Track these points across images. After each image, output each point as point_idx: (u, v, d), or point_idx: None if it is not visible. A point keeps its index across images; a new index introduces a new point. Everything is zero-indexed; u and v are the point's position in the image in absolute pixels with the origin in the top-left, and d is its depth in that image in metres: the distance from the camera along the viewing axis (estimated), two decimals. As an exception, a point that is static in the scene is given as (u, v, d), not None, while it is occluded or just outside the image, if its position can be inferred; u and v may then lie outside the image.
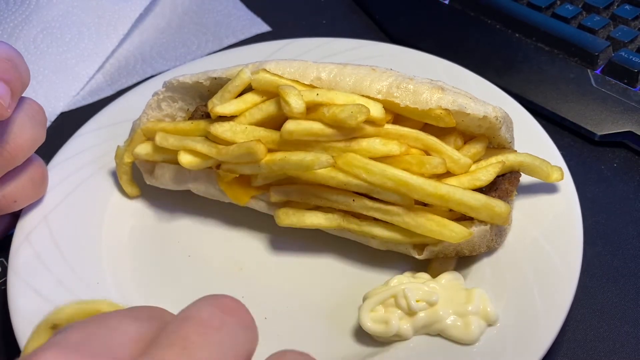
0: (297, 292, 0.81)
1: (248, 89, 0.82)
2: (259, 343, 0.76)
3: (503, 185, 0.78)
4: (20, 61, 0.79)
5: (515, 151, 0.80)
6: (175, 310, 0.82)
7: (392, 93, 0.77)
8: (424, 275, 0.76)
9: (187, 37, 1.27)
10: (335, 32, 1.19)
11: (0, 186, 0.81)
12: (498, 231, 0.77)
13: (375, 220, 0.76)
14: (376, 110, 0.75)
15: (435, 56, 1.05)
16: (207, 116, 0.85)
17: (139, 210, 0.92)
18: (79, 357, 0.40)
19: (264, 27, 1.28)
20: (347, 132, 0.75)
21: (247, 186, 0.83)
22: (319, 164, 0.73)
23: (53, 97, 1.14)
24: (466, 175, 0.75)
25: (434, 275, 0.76)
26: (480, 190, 0.76)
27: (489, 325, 0.70)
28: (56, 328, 0.52)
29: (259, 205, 0.84)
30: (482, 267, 0.78)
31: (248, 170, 0.79)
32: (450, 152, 0.75)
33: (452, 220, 0.73)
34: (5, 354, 0.80)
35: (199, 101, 0.91)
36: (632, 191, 0.92)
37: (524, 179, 0.81)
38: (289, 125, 0.74)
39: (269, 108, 0.78)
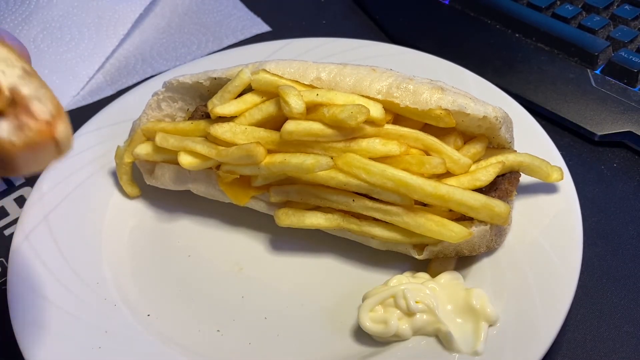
0: (296, 292, 0.81)
1: (248, 89, 0.82)
2: (260, 341, 0.76)
3: (503, 185, 0.78)
4: (27, 56, 0.80)
5: (515, 151, 0.80)
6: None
7: (392, 93, 0.77)
8: (423, 275, 0.76)
9: (187, 37, 1.27)
10: (335, 32, 1.19)
11: None
12: (498, 231, 0.77)
13: (375, 220, 0.76)
14: (376, 111, 0.75)
15: (435, 56, 1.05)
16: (207, 116, 0.85)
17: (139, 210, 0.92)
18: None
19: (264, 27, 1.28)
20: (347, 132, 0.75)
21: (247, 186, 0.83)
22: (319, 167, 0.73)
23: (53, 97, 1.14)
24: (466, 176, 0.75)
25: (434, 275, 0.76)
26: (480, 190, 0.76)
27: (489, 325, 0.70)
28: None
29: (259, 206, 0.84)
30: (482, 267, 0.78)
31: (248, 172, 0.79)
32: (450, 152, 0.75)
33: (452, 220, 0.73)
34: (5, 354, 0.80)
35: (199, 101, 0.91)
36: (631, 191, 0.92)
37: (524, 179, 0.81)
38: (289, 126, 0.74)
39: (268, 108, 0.78)
